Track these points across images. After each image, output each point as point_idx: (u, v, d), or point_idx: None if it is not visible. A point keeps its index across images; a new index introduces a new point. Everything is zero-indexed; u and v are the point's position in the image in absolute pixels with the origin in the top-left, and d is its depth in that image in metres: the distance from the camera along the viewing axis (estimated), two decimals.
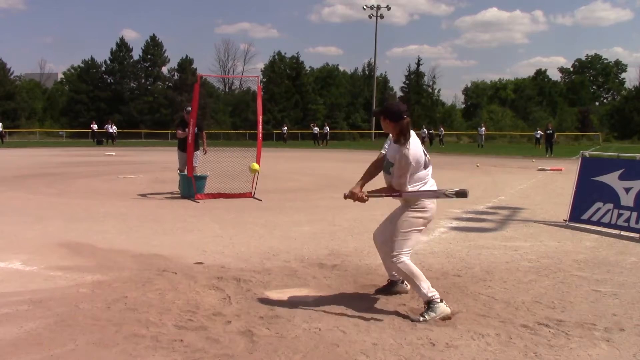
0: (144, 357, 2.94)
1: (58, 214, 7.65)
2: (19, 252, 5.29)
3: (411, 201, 3.68)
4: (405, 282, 4.01)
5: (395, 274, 4.03)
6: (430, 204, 3.71)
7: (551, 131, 26.81)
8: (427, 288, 3.59)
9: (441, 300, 3.58)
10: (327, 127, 43.11)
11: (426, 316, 3.50)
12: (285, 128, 46.42)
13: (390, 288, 4.12)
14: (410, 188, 3.64)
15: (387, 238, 3.79)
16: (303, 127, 52.46)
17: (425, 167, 3.69)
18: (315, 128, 42.39)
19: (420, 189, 3.65)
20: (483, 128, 39.55)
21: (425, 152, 3.73)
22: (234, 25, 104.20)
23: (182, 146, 9.81)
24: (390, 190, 3.71)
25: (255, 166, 8.86)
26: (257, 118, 9.92)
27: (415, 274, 3.63)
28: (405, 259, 3.65)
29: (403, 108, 3.68)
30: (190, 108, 9.83)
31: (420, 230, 3.75)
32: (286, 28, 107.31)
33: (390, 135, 3.72)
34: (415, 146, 3.59)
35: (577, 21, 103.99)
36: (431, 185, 3.72)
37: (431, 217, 3.78)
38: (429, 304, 3.55)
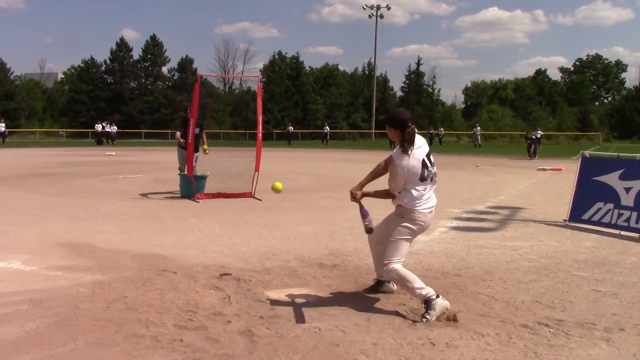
0: (144, 357, 2.94)
1: (58, 214, 7.64)
2: (19, 252, 5.29)
3: (405, 213, 3.70)
4: (392, 283, 4.03)
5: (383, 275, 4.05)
6: (423, 217, 3.71)
7: (537, 137, 23.79)
8: (421, 288, 3.59)
9: (437, 296, 3.57)
10: (327, 127, 42.92)
11: (427, 316, 3.50)
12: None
13: (377, 288, 4.16)
14: (408, 203, 3.66)
15: (380, 239, 3.85)
16: (303, 127, 52.60)
17: (422, 180, 3.66)
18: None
19: (418, 208, 3.66)
20: (478, 128, 39.49)
21: (429, 164, 3.72)
22: (234, 25, 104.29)
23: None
24: (383, 194, 3.85)
25: (278, 186, 5.89)
26: (257, 118, 9.92)
27: (406, 278, 3.65)
28: (396, 266, 3.69)
29: (407, 116, 3.74)
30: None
31: (408, 240, 3.79)
32: (286, 28, 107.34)
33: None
34: (415, 157, 3.64)
35: (578, 21, 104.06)
36: (429, 202, 3.72)
37: (420, 231, 3.81)
38: (427, 302, 3.55)
